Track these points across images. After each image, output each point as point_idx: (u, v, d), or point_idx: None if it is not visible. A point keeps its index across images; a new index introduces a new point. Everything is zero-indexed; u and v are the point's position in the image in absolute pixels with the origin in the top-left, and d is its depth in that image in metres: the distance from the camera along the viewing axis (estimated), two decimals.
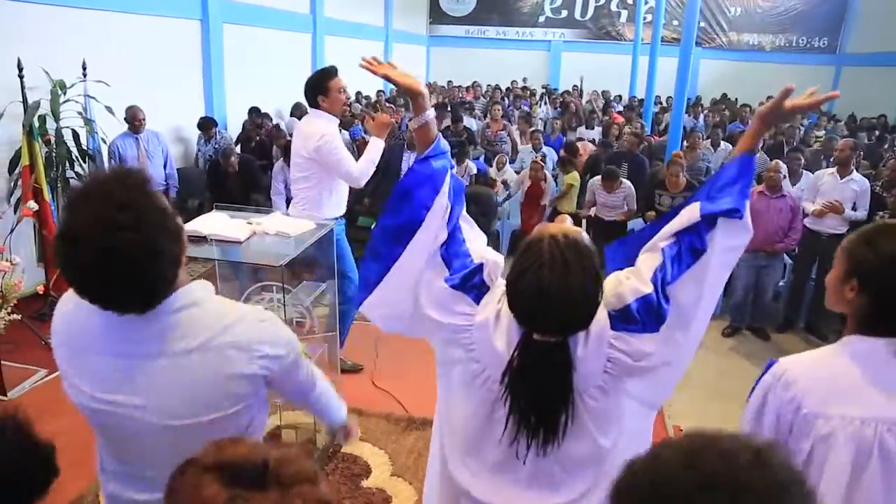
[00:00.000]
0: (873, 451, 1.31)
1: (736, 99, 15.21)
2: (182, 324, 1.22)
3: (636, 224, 6.08)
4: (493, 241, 6.96)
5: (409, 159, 5.73)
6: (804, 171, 6.15)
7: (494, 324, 1.47)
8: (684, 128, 9.50)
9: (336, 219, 3.77)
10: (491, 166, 7.65)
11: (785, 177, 5.25)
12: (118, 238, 1.08)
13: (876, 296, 1.35)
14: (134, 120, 5.80)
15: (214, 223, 2.56)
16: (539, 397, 1.39)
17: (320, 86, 3.68)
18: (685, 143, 8.09)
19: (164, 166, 6.15)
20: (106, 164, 5.70)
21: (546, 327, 1.36)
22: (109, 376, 1.24)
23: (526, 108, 12.00)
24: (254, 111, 8.36)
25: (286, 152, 5.86)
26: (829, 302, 1.49)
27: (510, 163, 7.83)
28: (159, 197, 1.19)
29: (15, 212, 5.03)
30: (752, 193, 5.24)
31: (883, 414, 1.31)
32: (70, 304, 1.34)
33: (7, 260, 3.47)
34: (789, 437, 1.40)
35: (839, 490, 1.33)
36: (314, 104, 3.72)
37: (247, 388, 1.27)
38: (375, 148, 3.70)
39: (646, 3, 14.67)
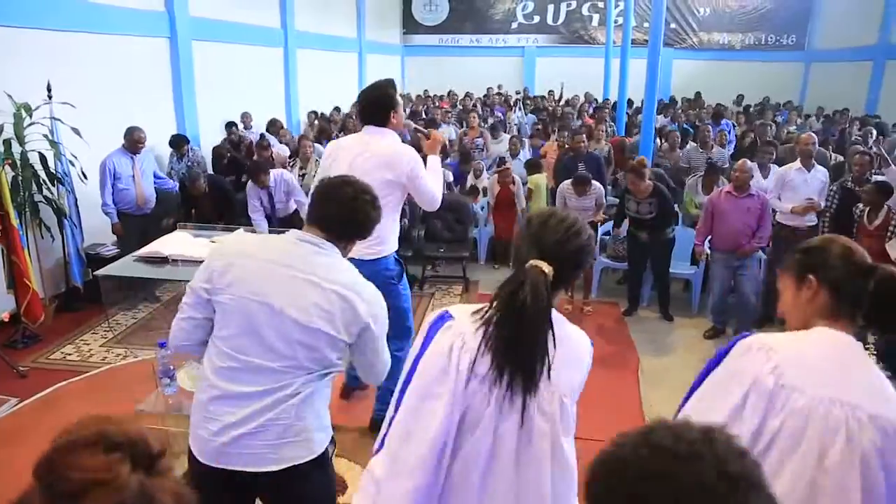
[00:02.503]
0: (840, 431, 1.36)
1: (703, 99, 15.36)
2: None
3: (610, 226, 6.11)
4: (471, 248, 6.98)
5: None
6: (772, 165, 6.22)
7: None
8: (659, 128, 9.61)
9: (395, 253, 3.43)
10: (468, 172, 7.66)
11: (752, 176, 5.23)
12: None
13: (832, 284, 1.50)
14: (138, 142, 5.81)
15: (177, 244, 2.53)
16: (523, 335, 1.40)
17: (393, 100, 3.26)
18: (665, 143, 8.15)
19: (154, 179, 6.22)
20: (80, 183, 5.63)
21: (557, 253, 1.45)
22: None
23: (500, 115, 12.05)
24: (230, 125, 8.33)
25: (252, 171, 5.85)
26: (789, 319, 1.60)
27: (487, 169, 7.85)
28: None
29: None
30: (720, 193, 5.30)
31: (848, 398, 1.38)
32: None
33: None
34: (762, 408, 1.41)
35: (810, 464, 1.37)
36: (384, 122, 3.25)
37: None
38: (437, 166, 3.39)
39: (616, 6, 14.81)
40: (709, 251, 5.40)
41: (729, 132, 9.37)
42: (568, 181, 5.95)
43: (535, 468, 1.44)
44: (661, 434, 0.79)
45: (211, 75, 8.40)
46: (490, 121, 11.00)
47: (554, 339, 1.42)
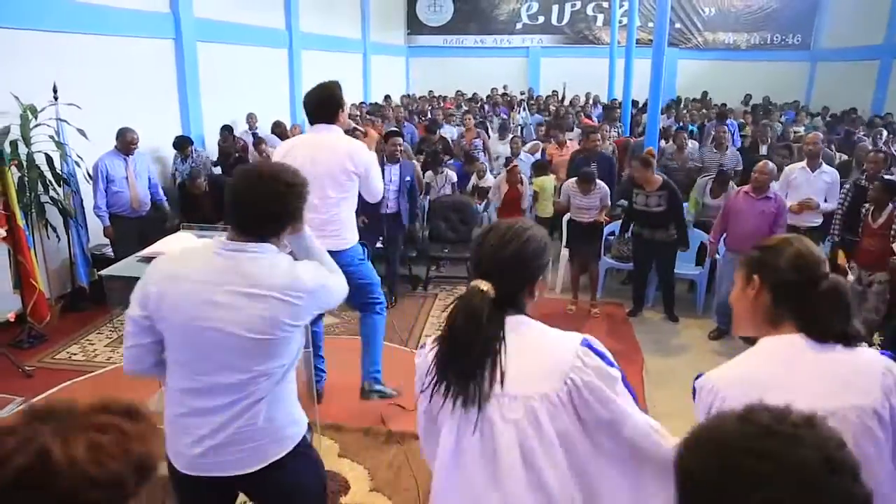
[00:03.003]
0: None
1: (710, 98, 15.34)
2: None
3: (616, 226, 6.09)
4: None
5: (389, 172, 5.70)
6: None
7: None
8: (663, 128, 9.58)
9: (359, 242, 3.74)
10: (471, 174, 7.65)
11: (772, 178, 5.11)
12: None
13: (774, 288, 1.50)
14: (131, 144, 5.67)
15: (178, 244, 2.54)
16: (456, 352, 1.44)
17: (342, 100, 3.54)
18: (674, 143, 8.10)
19: (148, 185, 6.12)
20: (86, 184, 5.66)
21: (490, 269, 1.47)
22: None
23: (504, 116, 12.05)
24: (226, 129, 8.34)
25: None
26: (737, 323, 1.62)
27: (490, 171, 7.85)
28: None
29: None
30: (738, 192, 5.22)
31: (799, 403, 1.34)
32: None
33: None
34: None
35: None
36: (333, 119, 3.50)
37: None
38: (376, 163, 3.67)
39: (621, 6, 14.79)
40: (720, 250, 5.37)
41: (733, 133, 9.35)
42: (573, 179, 5.91)
43: (508, 478, 1.43)
44: (763, 415, 0.81)
45: (215, 76, 8.42)
46: (496, 121, 11.01)
47: (505, 350, 1.43)
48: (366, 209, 5.78)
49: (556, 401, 1.43)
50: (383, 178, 5.62)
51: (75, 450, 0.73)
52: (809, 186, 5.43)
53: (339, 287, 2.00)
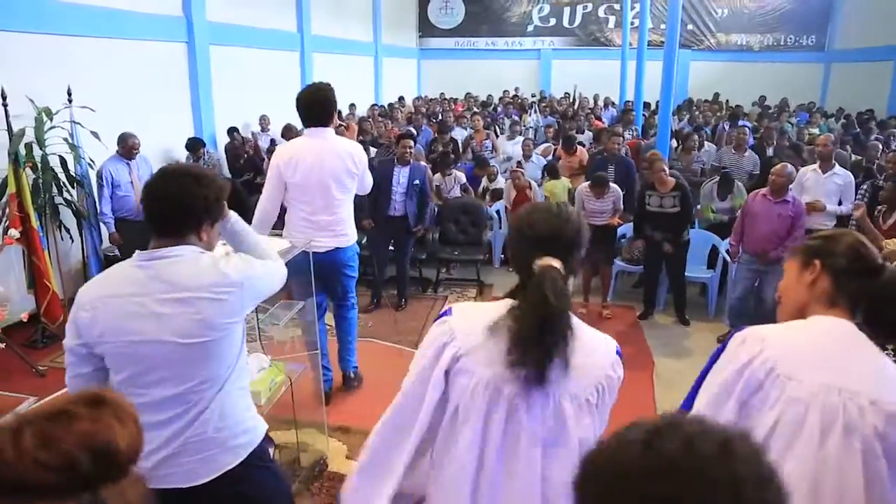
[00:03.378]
0: (838, 417, 1.36)
1: (727, 100, 15.25)
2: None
3: (627, 229, 6.06)
4: (486, 251, 6.97)
5: (398, 174, 5.71)
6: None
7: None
8: (675, 130, 9.53)
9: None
10: (482, 177, 7.66)
11: (790, 181, 4.95)
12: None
13: (835, 273, 1.51)
14: (131, 149, 5.67)
15: None
16: (547, 322, 1.39)
17: (334, 102, 3.69)
18: (681, 144, 8.06)
19: None
20: (94, 188, 5.71)
21: (559, 246, 1.47)
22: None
23: (515, 118, 12.04)
24: (232, 130, 8.39)
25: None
26: (785, 301, 1.62)
27: (500, 173, 7.84)
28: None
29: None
30: (756, 194, 5.12)
31: (846, 384, 1.38)
32: None
33: None
34: (755, 399, 1.44)
35: (811, 451, 1.37)
36: (327, 122, 3.62)
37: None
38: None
39: (633, 8, 14.74)
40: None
41: (748, 135, 9.28)
42: (586, 183, 5.89)
43: (524, 472, 1.43)
44: (670, 440, 0.68)
45: (227, 79, 8.48)
46: (507, 122, 11.00)
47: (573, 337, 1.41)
48: (374, 212, 5.82)
49: (583, 402, 1.44)
50: (392, 180, 5.68)
51: (24, 440, 0.75)
52: (820, 188, 5.39)
53: (272, 272, 1.98)
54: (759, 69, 16.83)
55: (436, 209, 6.88)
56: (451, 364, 1.47)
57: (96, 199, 5.71)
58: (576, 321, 1.46)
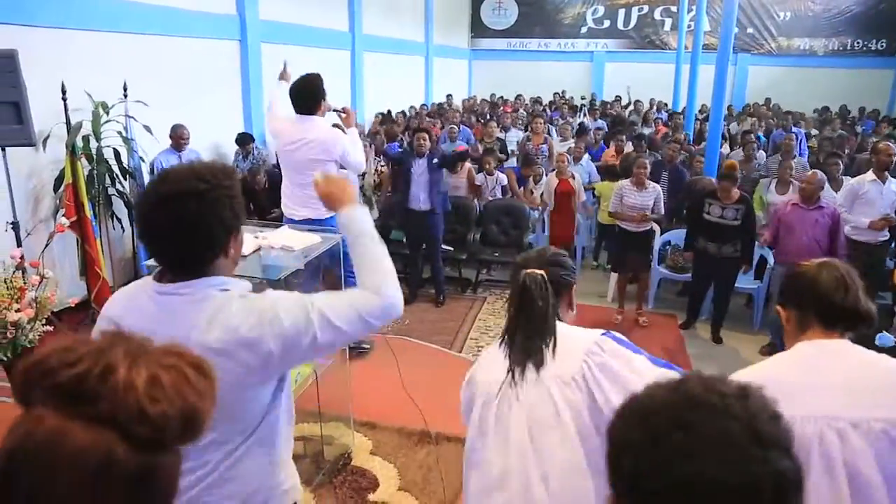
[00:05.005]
0: (813, 446, 1.34)
1: (778, 105, 14.74)
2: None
3: (678, 237, 5.90)
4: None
5: (416, 165, 5.77)
6: (843, 178, 5.91)
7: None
8: (731, 135, 9.26)
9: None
10: (528, 177, 7.59)
11: (821, 188, 4.92)
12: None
13: (793, 302, 1.63)
14: (179, 139, 5.99)
15: None
16: (532, 320, 1.64)
17: (321, 93, 4.07)
18: (742, 152, 7.81)
19: None
20: (146, 180, 5.91)
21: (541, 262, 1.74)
22: None
23: (569, 119, 11.89)
24: None
25: None
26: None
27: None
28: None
29: None
30: (786, 205, 5.04)
31: (821, 410, 1.37)
32: None
33: (38, 274, 3.61)
34: None
35: None
36: (312, 111, 4.07)
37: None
38: (354, 136, 4.29)
39: (690, 10, 14.39)
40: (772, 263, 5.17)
41: (801, 141, 8.96)
42: (626, 180, 5.75)
43: (518, 453, 1.58)
44: (694, 384, 0.77)
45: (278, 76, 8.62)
46: (560, 123, 10.87)
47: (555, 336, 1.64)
48: (400, 208, 5.95)
49: (569, 381, 1.58)
50: (411, 172, 5.73)
51: (137, 376, 0.73)
52: (882, 200, 5.14)
53: (344, 313, 1.46)
54: (822, 74, 16.19)
55: (479, 208, 6.86)
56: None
57: None
58: (559, 324, 1.68)
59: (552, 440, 1.54)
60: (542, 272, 1.66)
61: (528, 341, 1.62)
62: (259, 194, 6.40)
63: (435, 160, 5.81)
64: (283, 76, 4.71)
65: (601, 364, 1.57)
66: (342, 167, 4.27)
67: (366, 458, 3.34)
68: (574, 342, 1.63)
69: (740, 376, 1.50)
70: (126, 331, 0.81)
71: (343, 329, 1.45)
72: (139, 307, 1.46)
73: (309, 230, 2.88)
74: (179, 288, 1.42)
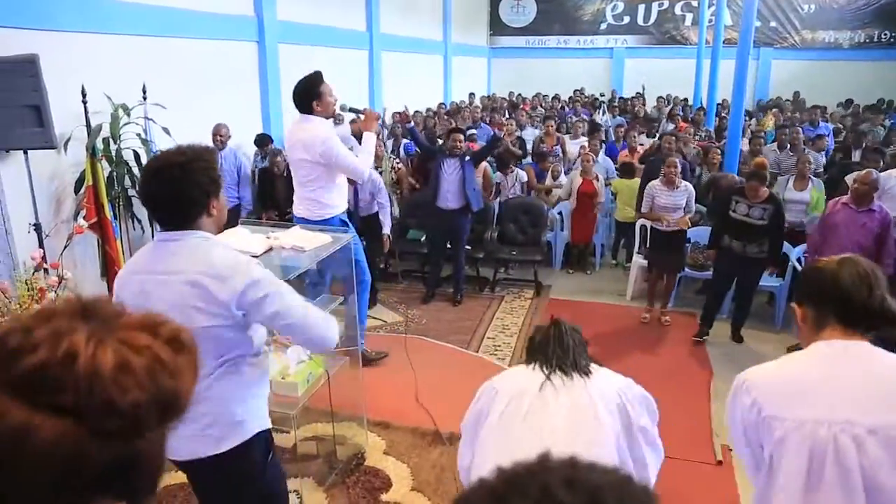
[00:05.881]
0: (827, 452, 1.30)
1: (803, 99, 14.48)
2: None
3: (699, 234, 5.81)
4: (544, 252, 6.87)
5: (447, 165, 5.76)
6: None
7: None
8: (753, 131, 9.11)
9: (339, 216, 4.13)
10: (547, 171, 7.55)
11: (875, 189, 4.55)
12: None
13: (811, 300, 1.56)
14: (216, 135, 6.08)
15: (234, 238, 2.63)
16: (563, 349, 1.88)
17: (314, 91, 3.96)
18: (749, 146, 7.72)
19: (238, 184, 6.54)
20: None
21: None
22: None
23: (584, 116, 11.80)
24: None
25: None
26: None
27: (565, 172, 7.70)
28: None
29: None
30: (837, 203, 4.74)
31: (837, 415, 1.32)
32: None
33: (58, 275, 3.66)
34: (765, 445, 1.46)
35: (796, 495, 1.31)
36: (308, 110, 3.98)
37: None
38: (372, 142, 4.13)
39: (711, 5, 14.19)
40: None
41: (828, 135, 8.79)
42: (657, 180, 5.65)
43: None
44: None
45: (296, 77, 8.63)
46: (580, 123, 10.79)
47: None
48: (427, 206, 5.94)
49: (608, 400, 1.85)
50: (442, 170, 5.71)
51: (103, 362, 0.64)
52: None
53: (299, 309, 1.90)
54: (847, 68, 15.87)
55: (496, 207, 6.84)
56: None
57: None
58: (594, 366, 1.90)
59: (588, 436, 1.66)
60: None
61: (564, 356, 1.84)
62: (277, 181, 6.48)
63: (467, 158, 5.81)
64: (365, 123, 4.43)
65: (634, 396, 1.84)
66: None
67: (379, 457, 3.34)
68: (609, 377, 1.88)
69: (754, 373, 1.50)
70: (93, 301, 0.71)
71: (283, 314, 1.84)
72: (144, 254, 1.92)
73: (319, 229, 2.90)
74: (172, 235, 1.84)
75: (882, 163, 5.93)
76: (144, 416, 0.65)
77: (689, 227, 5.57)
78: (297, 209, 4.16)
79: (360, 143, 4.23)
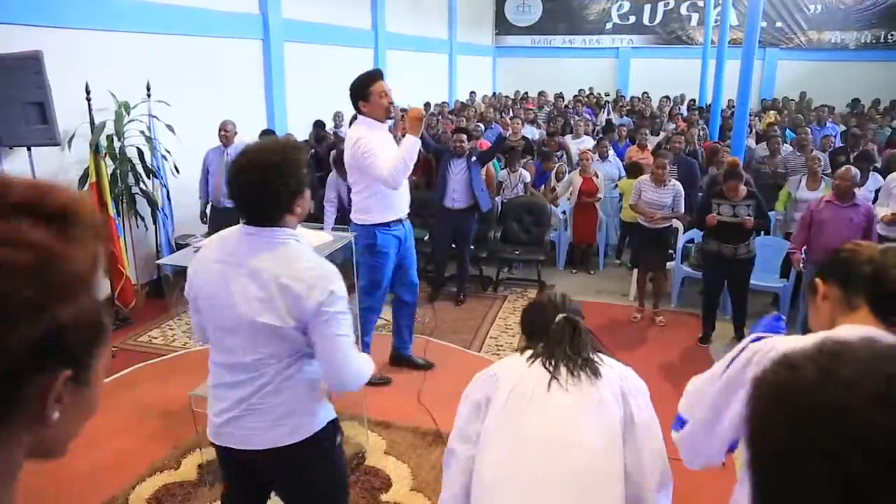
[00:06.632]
0: None
1: (810, 100, 14.41)
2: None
3: (695, 234, 5.80)
4: (548, 251, 6.85)
5: (454, 165, 5.75)
6: (872, 173, 5.75)
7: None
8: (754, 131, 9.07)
9: (389, 224, 3.91)
10: (550, 169, 7.53)
11: (857, 184, 4.80)
12: None
13: (841, 280, 1.50)
14: (220, 130, 6.07)
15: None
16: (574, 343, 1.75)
17: (361, 91, 3.75)
18: (766, 147, 7.68)
19: None
20: (173, 177, 6.01)
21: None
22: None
23: (587, 116, 11.76)
24: (319, 124, 8.59)
25: (336, 163, 5.98)
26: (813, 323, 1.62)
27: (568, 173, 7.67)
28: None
29: None
30: (820, 201, 4.90)
31: None
32: None
33: None
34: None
35: None
36: (358, 110, 3.81)
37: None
38: (408, 146, 3.58)
39: (717, 5, 14.14)
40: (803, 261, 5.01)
41: (835, 136, 8.75)
42: (646, 175, 5.67)
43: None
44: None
45: (301, 75, 8.68)
46: (576, 119, 10.77)
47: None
48: (433, 205, 5.92)
49: (612, 389, 1.72)
50: (448, 170, 5.70)
51: None
52: None
53: (352, 352, 1.92)
54: (854, 69, 15.79)
55: (499, 205, 6.83)
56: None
57: (179, 186, 6.14)
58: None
59: (590, 425, 1.61)
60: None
61: (574, 355, 1.72)
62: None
63: (473, 158, 5.80)
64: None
65: (634, 387, 1.73)
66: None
67: (379, 457, 3.33)
68: (610, 367, 1.76)
69: (785, 342, 1.43)
70: None
71: (332, 349, 1.86)
72: (227, 243, 1.91)
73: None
74: (261, 231, 1.84)
75: (877, 163, 5.95)
76: (23, 305, 0.58)
77: (660, 220, 5.50)
78: (351, 214, 4.03)
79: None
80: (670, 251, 5.93)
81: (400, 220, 3.98)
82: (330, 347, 1.85)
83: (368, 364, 2.00)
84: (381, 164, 3.59)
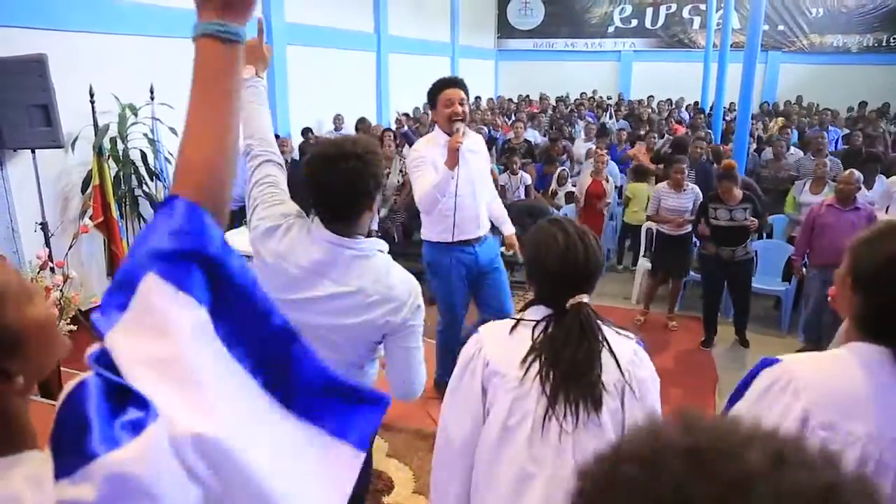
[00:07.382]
0: (884, 479, 1.19)
1: (817, 104, 14.41)
2: None
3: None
4: None
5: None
6: (879, 177, 5.75)
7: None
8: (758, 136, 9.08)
9: (446, 244, 3.57)
10: (551, 174, 7.54)
11: (860, 188, 4.82)
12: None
13: (866, 296, 1.24)
14: None
15: (236, 238, 2.63)
16: (577, 360, 1.49)
17: (430, 99, 3.46)
18: (771, 151, 7.67)
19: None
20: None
21: (579, 280, 1.54)
22: None
23: (589, 119, 11.79)
24: (305, 132, 8.59)
25: None
26: (834, 302, 1.38)
27: (572, 176, 7.69)
28: None
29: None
30: (822, 205, 4.90)
31: (884, 433, 1.20)
32: None
33: (63, 274, 3.67)
34: None
35: None
36: (434, 118, 3.60)
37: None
38: (439, 179, 3.23)
39: (719, 9, 14.16)
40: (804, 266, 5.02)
41: (836, 140, 8.76)
42: (664, 182, 5.65)
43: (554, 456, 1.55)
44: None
45: (304, 78, 8.70)
46: (580, 123, 10.80)
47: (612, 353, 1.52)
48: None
49: (610, 388, 1.52)
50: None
51: None
52: None
53: (418, 367, 1.93)
54: (856, 72, 15.78)
55: None
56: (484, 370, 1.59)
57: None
58: (604, 328, 1.55)
59: (590, 444, 1.50)
60: (587, 299, 1.53)
61: (582, 377, 1.50)
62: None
63: None
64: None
65: (640, 379, 1.55)
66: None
67: (381, 459, 3.33)
68: (617, 347, 1.53)
69: (801, 370, 1.27)
70: None
71: (408, 360, 1.87)
72: (306, 248, 1.79)
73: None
74: (345, 241, 1.78)
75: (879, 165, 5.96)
76: None
77: (682, 225, 5.44)
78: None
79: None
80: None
81: (468, 243, 3.59)
82: (405, 358, 1.86)
83: (422, 375, 2.00)
84: (420, 185, 3.34)
